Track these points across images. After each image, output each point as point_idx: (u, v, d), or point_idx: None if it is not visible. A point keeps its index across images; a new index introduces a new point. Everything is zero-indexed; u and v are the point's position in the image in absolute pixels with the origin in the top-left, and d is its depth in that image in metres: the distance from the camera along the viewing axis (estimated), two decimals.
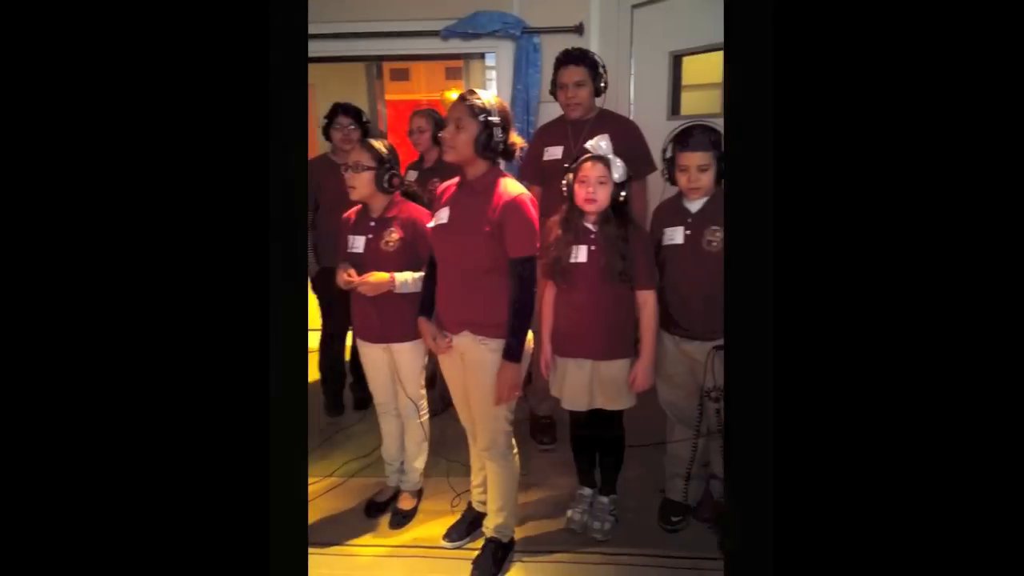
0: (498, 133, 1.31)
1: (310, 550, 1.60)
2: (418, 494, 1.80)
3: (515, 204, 1.32)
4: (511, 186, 1.36)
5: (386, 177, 1.56)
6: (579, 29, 2.56)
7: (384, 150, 1.57)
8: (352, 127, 2.14)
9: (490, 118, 1.31)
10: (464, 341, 1.39)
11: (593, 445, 1.66)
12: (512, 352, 1.33)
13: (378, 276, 1.53)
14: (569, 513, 1.67)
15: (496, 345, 1.35)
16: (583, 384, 1.51)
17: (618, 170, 1.44)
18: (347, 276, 1.54)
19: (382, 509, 1.75)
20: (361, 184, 1.55)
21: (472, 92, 1.34)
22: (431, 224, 1.44)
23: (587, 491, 1.69)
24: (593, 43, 2.56)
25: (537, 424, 2.10)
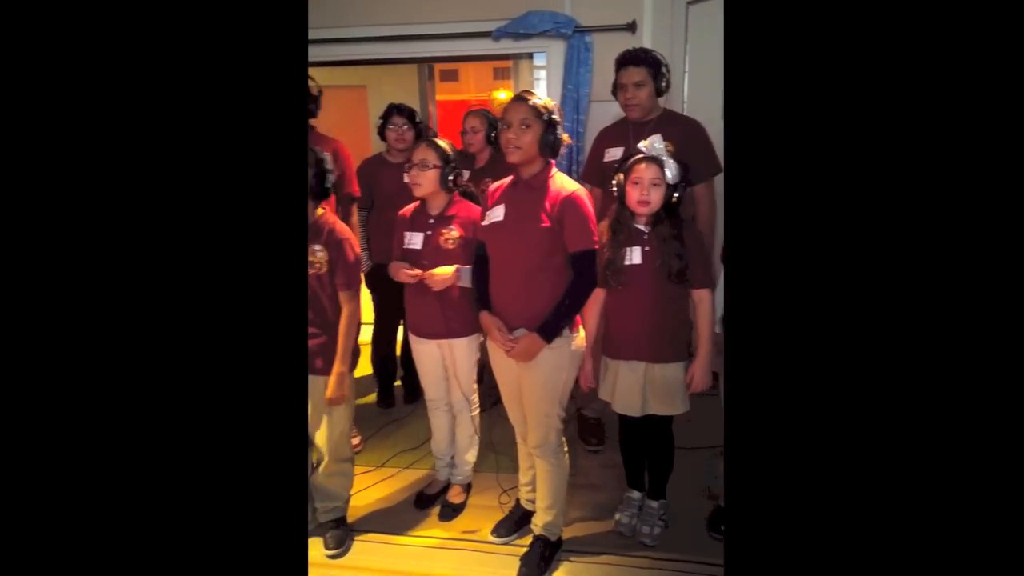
0: (560, 132, 1.34)
1: (361, 538, 1.66)
2: (467, 488, 1.83)
3: (572, 199, 1.35)
4: (566, 182, 1.40)
5: (451, 176, 1.59)
6: (632, 27, 2.53)
7: (449, 150, 1.61)
8: (406, 127, 2.19)
9: (552, 117, 1.33)
10: (519, 337, 1.40)
11: (643, 448, 1.65)
12: (546, 328, 1.34)
13: (443, 270, 1.56)
14: (617, 516, 1.66)
15: (554, 343, 1.36)
16: (636, 387, 1.50)
17: (671, 171, 1.42)
18: (409, 272, 1.57)
19: (431, 501, 1.80)
20: (427, 182, 1.58)
21: (531, 93, 1.36)
22: (484, 222, 1.47)
23: (636, 494, 1.68)
24: (646, 41, 2.53)
25: (585, 425, 2.10)
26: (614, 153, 1.90)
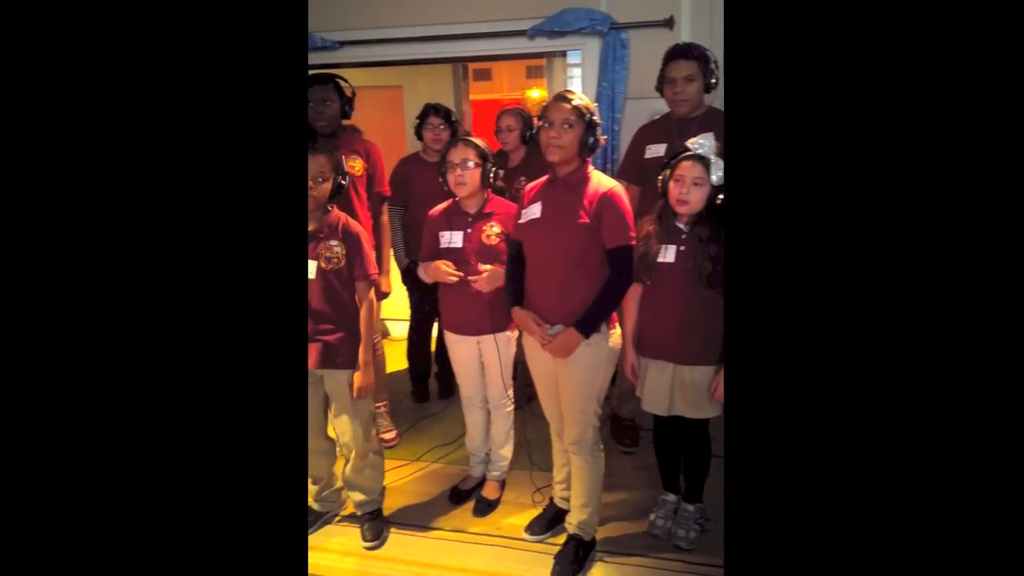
0: (598, 133, 1.34)
1: (397, 530, 1.69)
2: (502, 484, 1.84)
3: (610, 196, 1.35)
4: (603, 179, 1.40)
5: (490, 173, 1.61)
6: (669, 23, 2.49)
7: (485, 148, 1.62)
8: (443, 127, 2.21)
9: (593, 118, 1.33)
10: (556, 333, 1.40)
11: (678, 451, 1.63)
12: (583, 324, 1.35)
13: (488, 268, 1.56)
14: (652, 517, 1.65)
15: (592, 339, 1.36)
16: (663, 387, 1.49)
17: (718, 171, 1.40)
18: (449, 270, 1.58)
19: (466, 497, 1.82)
20: (472, 180, 1.60)
21: (572, 93, 1.37)
22: (521, 220, 1.47)
23: (671, 497, 1.66)
24: (684, 38, 2.48)
25: (619, 426, 2.09)
26: (656, 150, 1.87)
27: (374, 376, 1.60)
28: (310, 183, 1.47)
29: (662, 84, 1.86)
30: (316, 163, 1.49)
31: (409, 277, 2.30)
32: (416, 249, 2.23)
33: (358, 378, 1.53)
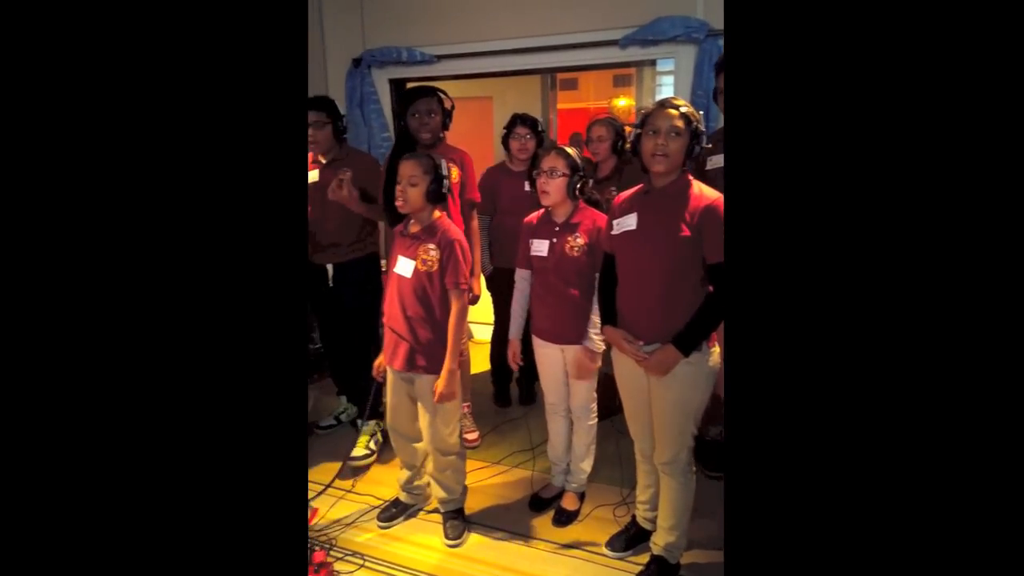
0: (703, 141, 1.31)
1: (477, 531, 1.72)
2: (581, 496, 1.82)
3: (714, 207, 1.29)
4: (705, 190, 1.34)
5: (578, 185, 1.61)
6: None
7: (577, 159, 1.63)
8: (529, 136, 2.25)
9: (698, 126, 1.30)
10: (652, 351, 1.36)
11: None
12: (683, 341, 1.30)
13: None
14: None
15: (692, 357, 1.32)
16: None
17: None
18: (513, 355, 1.75)
19: (546, 505, 1.82)
20: (555, 189, 1.61)
21: (677, 99, 1.33)
22: (614, 232, 1.44)
23: None
24: None
25: (706, 449, 1.99)
26: (717, 160, 1.81)
27: (459, 381, 1.63)
28: (398, 188, 1.54)
29: (716, 94, 1.79)
30: (407, 167, 1.54)
31: (493, 283, 2.35)
32: (500, 256, 2.29)
33: (440, 384, 1.57)
